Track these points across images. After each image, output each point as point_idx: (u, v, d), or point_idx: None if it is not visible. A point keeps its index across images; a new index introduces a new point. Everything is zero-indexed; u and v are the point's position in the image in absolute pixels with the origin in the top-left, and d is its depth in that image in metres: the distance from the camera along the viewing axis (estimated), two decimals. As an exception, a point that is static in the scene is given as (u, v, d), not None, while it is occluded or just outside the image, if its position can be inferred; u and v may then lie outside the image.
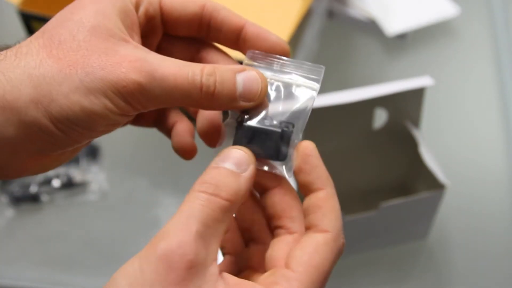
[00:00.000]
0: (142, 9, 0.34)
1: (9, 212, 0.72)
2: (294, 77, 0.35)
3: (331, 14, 0.89)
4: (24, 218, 0.72)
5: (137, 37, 0.33)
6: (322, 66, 0.35)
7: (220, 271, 0.29)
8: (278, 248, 0.32)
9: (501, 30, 0.89)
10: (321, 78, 0.35)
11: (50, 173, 0.73)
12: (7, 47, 0.31)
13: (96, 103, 0.29)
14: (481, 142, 0.78)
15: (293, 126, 0.34)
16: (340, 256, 0.32)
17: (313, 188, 0.33)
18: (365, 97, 0.58)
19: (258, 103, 0.33)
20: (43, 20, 0.66)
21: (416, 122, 0.63)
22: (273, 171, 0.34)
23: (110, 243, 0.70)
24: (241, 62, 0.36)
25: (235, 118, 0.34)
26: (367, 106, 0.60)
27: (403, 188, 0.71)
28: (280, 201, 0.34)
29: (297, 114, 0.34)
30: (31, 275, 0.67)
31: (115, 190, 0.74)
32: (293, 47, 0.67)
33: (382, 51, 0.88)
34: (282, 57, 0.35)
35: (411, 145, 0.62)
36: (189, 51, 0.37)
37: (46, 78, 0.29)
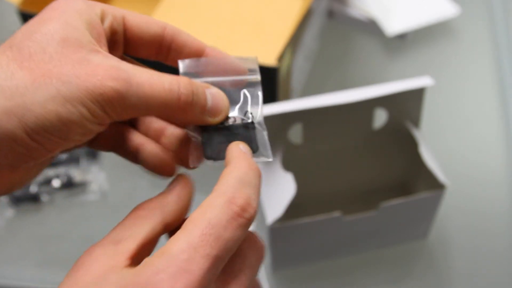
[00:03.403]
0: (107, 22, 0.33)
1: (9, 212, 0.72)
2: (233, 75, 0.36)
3: (331, 14, 0.89)
4: (24, 218, 0.72)
5: (105, 48, 0.33)
6: (254, 56, 0.36)
7: None
8: None
9: (501, 30, 0.89)
10: (257, 66, 0.36)
11: (50, 173, 0.73)
12: None
13: (73, 111, 0.29)
14: (481, 142, 0.78)
15: (252, 114, 0.35)
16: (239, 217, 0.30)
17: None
18: (365, 97, 0.58)
19: (221, 120, 0.34)
20: (43, 20, 0.66)
21: (416, 122, 0.63)
22: (259, 160, 0.35)
23: (110, 243, 0.70)
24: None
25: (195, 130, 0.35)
26: (367, 106, 0.60)
27: (403, 188, 0.71)
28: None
29: (251, 103, 0.36)
30: (31, 275, 0.67)
31: (115, 190, 0.74)
32: (293, 47, 0.67)
33: (382, 51, 0.88)
34: (214, 60, 0.36)
35: (411, 145, 0.62)
36: None
37: (19, 89, 0.28)
